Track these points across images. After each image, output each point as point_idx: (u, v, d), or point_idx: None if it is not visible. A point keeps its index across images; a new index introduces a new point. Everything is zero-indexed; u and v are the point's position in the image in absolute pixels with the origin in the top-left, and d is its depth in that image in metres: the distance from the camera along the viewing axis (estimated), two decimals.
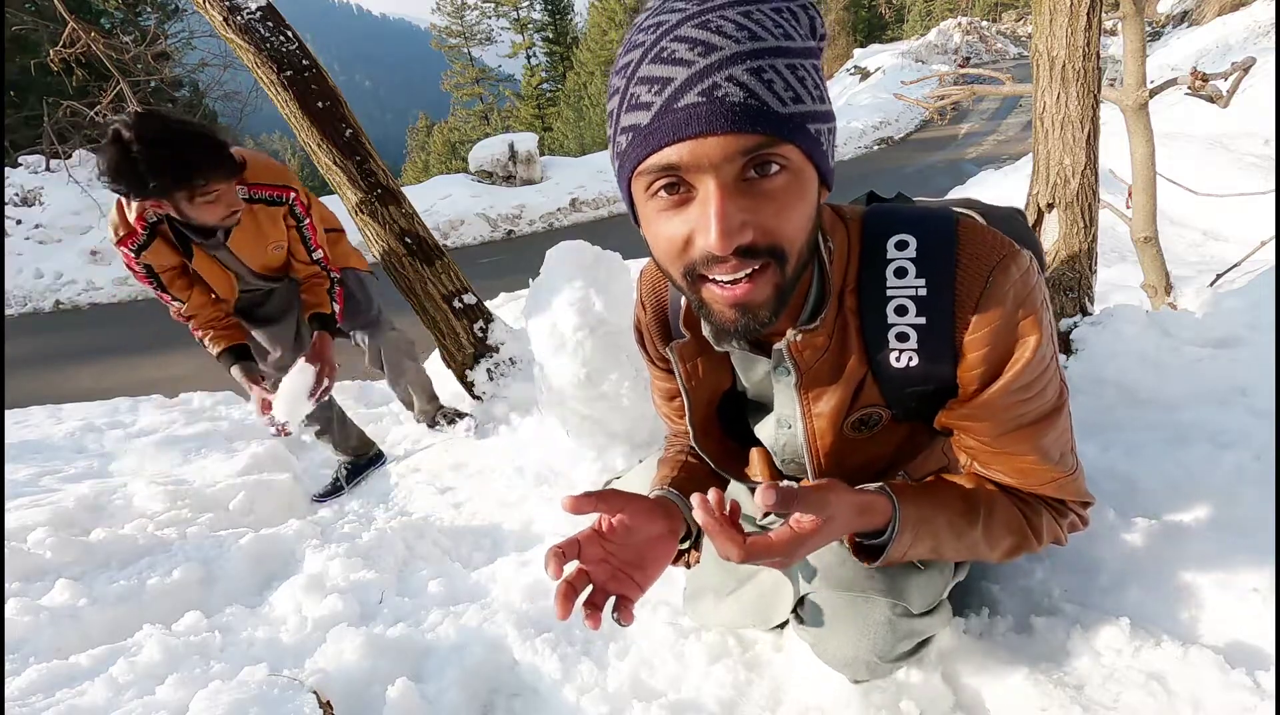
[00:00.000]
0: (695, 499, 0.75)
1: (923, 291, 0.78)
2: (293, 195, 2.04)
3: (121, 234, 1.91)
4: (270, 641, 1.47)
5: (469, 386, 2.79)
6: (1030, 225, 1.68)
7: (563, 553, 0.78)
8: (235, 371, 2.13)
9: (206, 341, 2.12)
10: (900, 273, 0.79)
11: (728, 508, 0.77)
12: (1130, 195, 1.78)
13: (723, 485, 1.11)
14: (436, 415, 2.75)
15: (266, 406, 2.09)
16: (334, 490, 2.46)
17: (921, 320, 0.79)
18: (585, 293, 2.07)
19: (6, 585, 1.69)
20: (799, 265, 0.70)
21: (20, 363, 5.78)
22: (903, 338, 0.81)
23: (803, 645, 1.18)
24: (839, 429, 0.90)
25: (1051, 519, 0.89)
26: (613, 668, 1.27)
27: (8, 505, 2.14)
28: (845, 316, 0.83)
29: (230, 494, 2.25)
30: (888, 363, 0.83)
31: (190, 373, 5.14)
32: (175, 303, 2.05)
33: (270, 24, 2.51)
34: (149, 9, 13.58)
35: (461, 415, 2.73)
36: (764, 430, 1.03)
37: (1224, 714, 0.93)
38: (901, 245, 0.79)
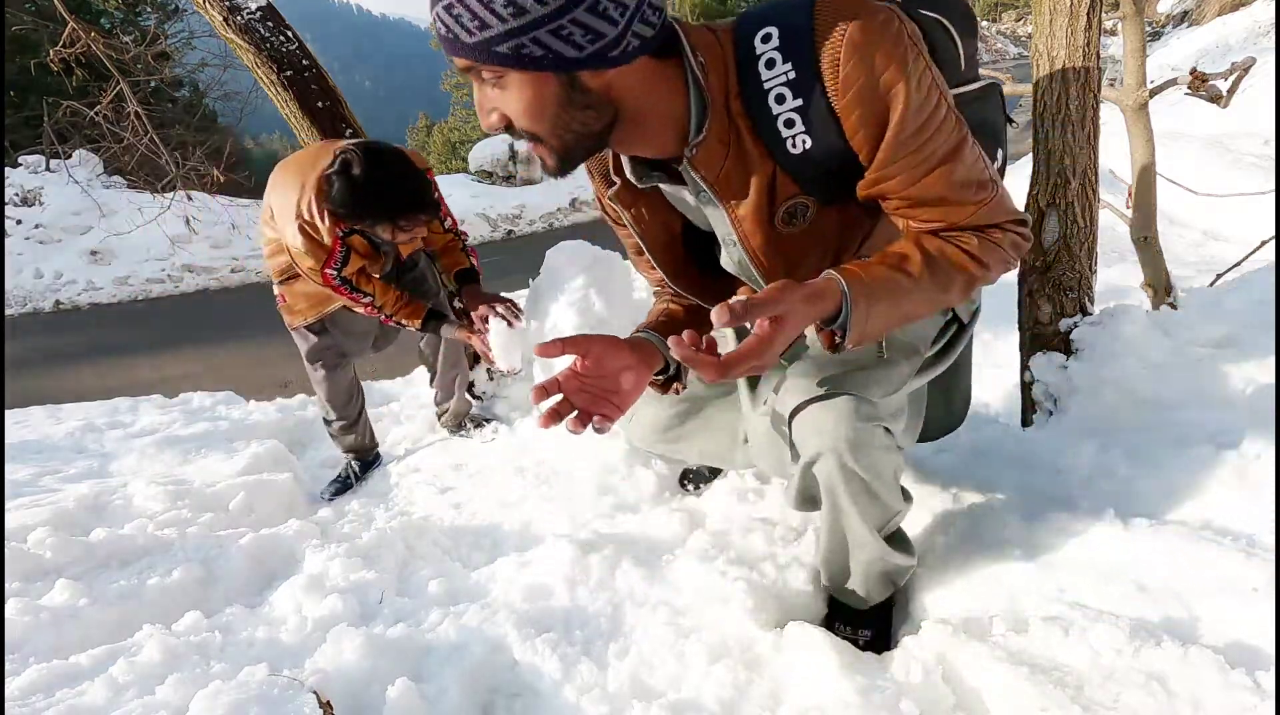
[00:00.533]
0: (671, 339, 0.80)
1: (791, 74, 0.84)
2: (432, 177, 2.12)
3: (323, 257, 2.03)
4: (270, 641, 1.47)
5: (469, 386, 2.79)
6: (1030, 225, 1.68)
7: (544, 389, 0.89)
8: (446, 331, 2.27)
9: (403, 321, 2.23)
10: (770, 64, 0.85)
11: (704, 343, 0.82)
12: (1130, 195, 1.78)
13: (704, 327, 1.16)
14: (465, 419, 2.73)
15: (490, 358, 2.23)
16: (344, 487, 2.47)
17: (799, 102, 0.85)
18: (585, 293, 2.08)
19: (6, 585, 1.69)
20: (565, 141, 0.85)
21: (20, 363, 5.78)
22: (790, 124, 0.87)
23: (802, 646, 1.18)
24: (770, 227, 0.96)
25: (991, 244, 0.93)
26: (613, 668, 1.27)
27: (8, 505, 2.14)
28: (735, 122, 0.89)
29: (230, 494, 2.25)
30: (785, 151, 0.89)
31: (190, 373, 5.14)
32: (365, 299, 2.15)
33: (270, 24, 2.51)
34: (149, 9, 13.57)
35: (488, 420, 2.73)
36: (724, 260, 1.11)
37: (1224, 714, 0.93)
38: (766, 38, 0.85)
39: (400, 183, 1.91)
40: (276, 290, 2.28)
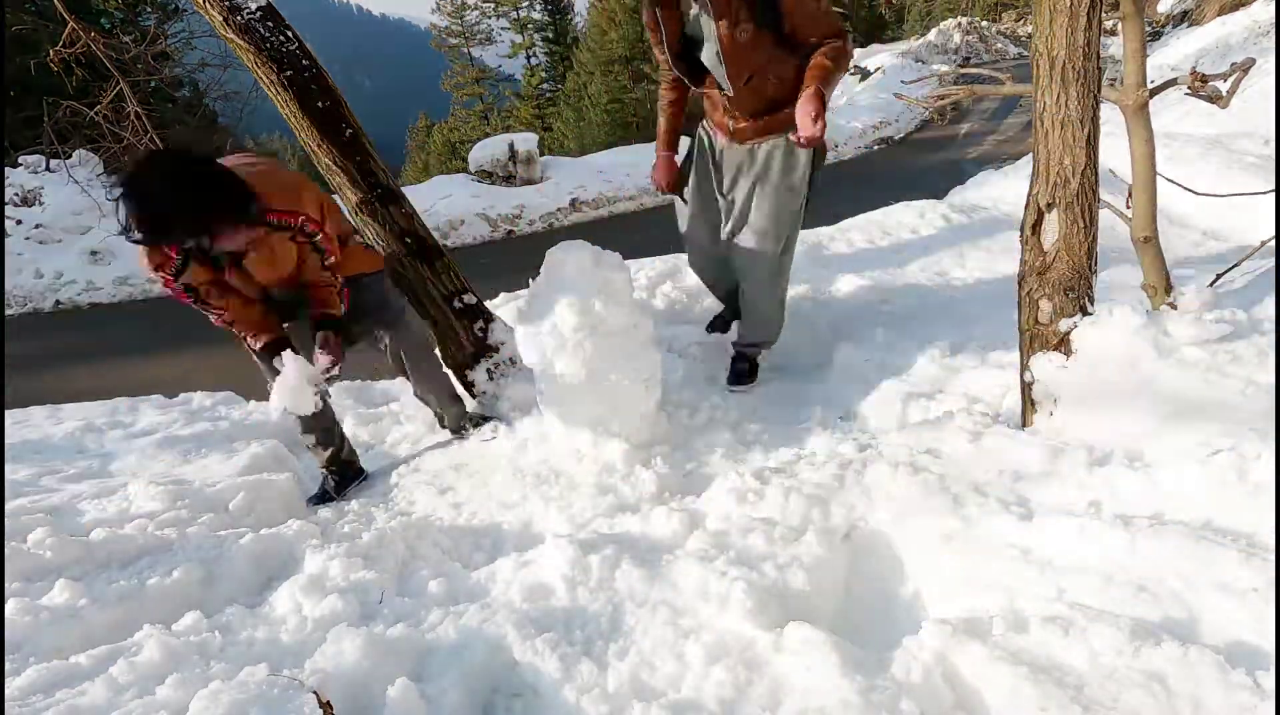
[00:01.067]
0: None
1: None
2: (302, 219, 2.02)
3: (157, 260, 1.94)
4: (270, 641, 1.47)
5: (469, 386, 2.79)
6: (1031, 226, 1.69)
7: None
8: (274, 362, 2.15)
9: (250, 341, 2.15)
10: None
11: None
12: (1130, 195, 1.78)
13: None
14: (464, 421, 2.70)
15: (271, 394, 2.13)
16: (323, 499, 2.45)
17: None
18: (585, 292, 2.07)
19: (6, 585, 1.68)
20: None
21: (20, 363, 5.77)
22: None
23: (802, 646, 1.18)
24: (734, 38, 2.00)
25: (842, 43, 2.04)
26: (613, 668, 1.27)
27: (8, 505, 2.13)
28: None
29: (230, 494, 2.25)
30: None
31: (190, 373, 5.14)
32: (216, 311, 2.07)
33: (270, 24, 2.51)
34: (149, 9, 13.56)
35: (487, 419, 2.70)
36: (704, 55, 2.13)
37: (1224, 714, 0.93)
38: None
39: (189, 198, 1.73)
40: None
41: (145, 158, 1.75)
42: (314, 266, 2.16)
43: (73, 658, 1.42)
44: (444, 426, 2.74)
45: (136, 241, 1.81)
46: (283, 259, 2.08)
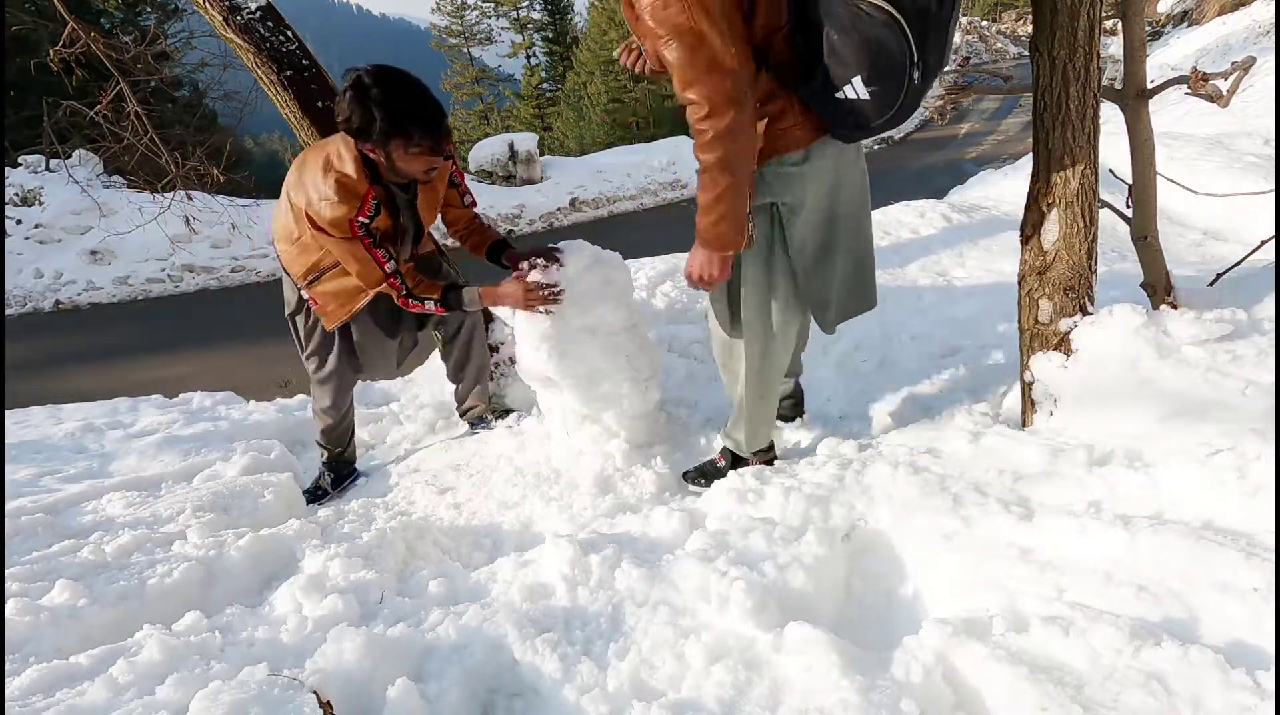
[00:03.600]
0: None
1: None
2: (451, 148, 2.07)
3: (356, 205, 1.98)
4: (270, 641, 1.47)
5: None
6: (1031, 225, 1.69)
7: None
8: (467, 296, 2.17)
9: (423, 295, 2.16)
10: None
11: None
12: (1130, 195, 1.78)
13: None
14: (486, 412, 2.72)
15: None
16: (318, 496, 2.45)
17: None
18: (585, 292, 2.07)
19: (6, 585, 1.68)
20: None
21: (20, 363, 5.77)
22: None
23: (802, 645, 1.18)
24: None
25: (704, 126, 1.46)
26: (613, 668, 1.27)
27: (8, 505, 2.13)
28: None
29: (230, 494, 2.25)
30: None
31: (190, 373, 5.14)
32: (389, 264, 2.09)
33: (270, 24, 2.51)
34: (149, 9, 13.57)
35: (509, 411, 2.72)
36: None
37: (1224, 714, 0.93)
38: None
39: (423, 91, 1.87)
40: (305, 295, 2.24)
41: (385, 73, 1.83)
42: (456, 203, 2.34)
43: (73, 658, 1.42)
44: (467, 415, 2.75)
45: (348, 129, 1.86)
46: (437, 199, 2.23)
